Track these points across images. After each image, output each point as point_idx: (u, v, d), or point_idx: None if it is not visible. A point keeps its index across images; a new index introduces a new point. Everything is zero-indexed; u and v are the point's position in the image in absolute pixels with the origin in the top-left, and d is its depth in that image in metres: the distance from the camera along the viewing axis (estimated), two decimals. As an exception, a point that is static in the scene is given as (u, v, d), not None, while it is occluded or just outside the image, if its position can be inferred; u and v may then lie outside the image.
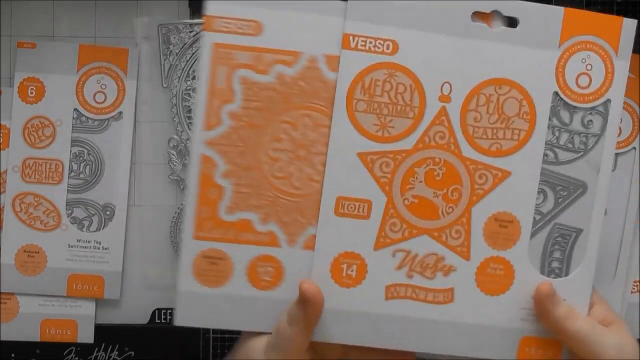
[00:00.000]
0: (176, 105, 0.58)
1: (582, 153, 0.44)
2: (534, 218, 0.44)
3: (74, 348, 0.59)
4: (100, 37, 0.59)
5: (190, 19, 0.58)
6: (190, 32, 0.58)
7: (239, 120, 0.43)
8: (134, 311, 0.59)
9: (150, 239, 0.59)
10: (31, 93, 0.58)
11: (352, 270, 0.43)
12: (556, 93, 0.44)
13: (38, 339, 0.59)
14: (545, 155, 0.44)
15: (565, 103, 0.44)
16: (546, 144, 0.44)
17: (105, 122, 0.59)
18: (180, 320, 0.43)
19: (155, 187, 0.59)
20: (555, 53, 0.43)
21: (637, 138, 0.57)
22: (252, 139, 0.43)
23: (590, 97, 0.44)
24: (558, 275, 0.44)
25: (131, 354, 0.59)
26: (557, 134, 0.44)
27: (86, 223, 0.59)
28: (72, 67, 0.58)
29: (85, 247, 0.59)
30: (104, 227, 0.59)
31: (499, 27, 0.43)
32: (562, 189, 0.44)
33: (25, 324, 0.59)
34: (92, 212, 0.59)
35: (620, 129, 0.57)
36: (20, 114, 0.58)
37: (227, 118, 0.43)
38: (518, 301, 0.44)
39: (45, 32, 0.59)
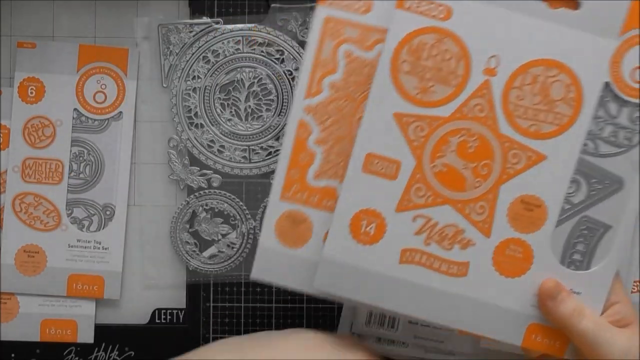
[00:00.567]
0: (176, 105, 0.58)
1: (624, 149, 0.43)
2: (563, 207, 0.43)
3: (74, 348, 0.59)
4: (100, 37, 0.59)
5: (190, 19, 0.58)
6: (190, 32, 0.58)
7: (338, 91, 0.44)
8: (134, 311, 0.59)
9: (150, 239, 0.59)
10: (31, 93, 0.58)
11: (370, 228, 0.43)
12: (607, 84, 0.43)
13: (38, 339, 0.59)
14: (584, 144, 0.43)
15: (616, 95, 0.43)
16: (588, 133, 0.43)
17: (105, 122, 0.59)
18: (256, 273, 0.45)
19: (155, 187, 0.59)
20: (614, 42, 0.42)
21: None
22: (348, 110, 0.44)
23: None
24: (578, 268, 0.44)
25: (131, 354, 0.59)
26: (601, 125, 0.43)
27: (86, 223, 0.59)
28: (72, 67, 0.58)
29: (85, 247, 0.59)
30: (104, 227, 0.59)
31: (559, 8, 0.42)
32: (596, 182, 0.44)
33: (25, 324, 0.59)
34: (92, 212, 0.59)
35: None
36: (20, 114, 0.58)
37: (328, 88, 0.44)
38: (532, 287, 0.43)
39: (45, 32, 0.59)
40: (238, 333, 0.59)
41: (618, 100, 0.43)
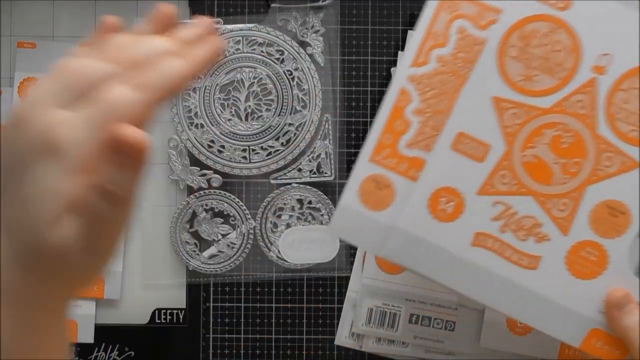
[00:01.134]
0: (176, 105, 0.58)
1: None
2: None
3: (74, 348, 0.59)
4: (100, 37, 0.59)
5: (190, 19, 0.58)
6: (190, 32, 0.58)
7: (444, 65, 0.43)
8: (134, 311, 0.59)
9: (150, 239, 0.59)
10: (31, 93, 0.58)
11: (449, 206, 0.43)
12: None
13: (38, 339, 0.59)
14: None
15: None
16: None
17: (105, 122, 0.59)
18: (332, 230, 0.45)
19: (155, 187, 0.59)
20: None
21: None
22: (451, 86, 0.43)
23: None
24: None
25: (131, 354, 0.59)
26: None
27: (86, 223, 0.59)
28: (72, 67, 0.58)
29: (85, 247, 0.59)
30: (104, 227, 0.59)
31: None
32: None
33: (25, 324, 0.59)
34: (92, 212, 0.59)
35: None
36: (20, 114, 0.58)
37: (435, 60, 0.43)
38: (600, 292, 0.42)
39: (45, 32, 0.59)
40: (238, 333, 0.59)
41: None
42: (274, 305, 0.59)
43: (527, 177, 0.43)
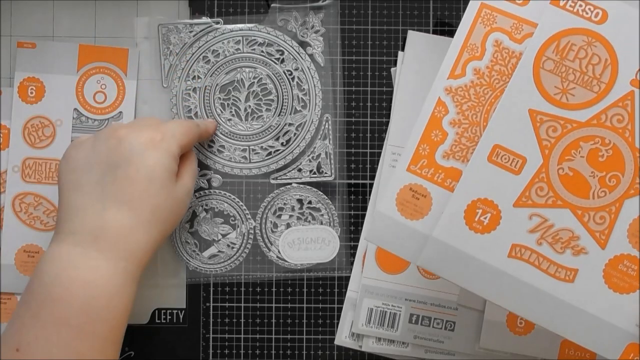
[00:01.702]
0: (176, 105, 0.58)
1: None
2: None
3: (74, 348, 0.59)
4: (100, 37, 0.59)
5: (190, 19, 0.58)
6: (190, 32, 0.58)
7: (480, 78, 0.44)
8: (134, 311, 0.59)
9: (150, 239, 0.59)
10: (31, 93, 0.58)
11: (485, 218, 0.43)
12: None
13: (38, 339, 0.59)
14: None
15: None
16: None
17: (105, 122, 0.59)
18: (368, 236, 0.46)
19: (155, 187, 0.59)
20: None
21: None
22: (486, 98, 0.44)
23: None
24: None
25: (131, 354, 0.59)
26: None
27: (86, 223, 0.59)
28: (72, 67, 0.58)
29: (85, 247, 0.59)
30: (104, 227, 0.59)
31: None
32: None
33: (25, 324, 0.59)
34: (92, 212, 0.59)
35: None
36: (20, 114, 0.58)
37: (471, 72, 0.44)
38: (638, 306, 0.42)
39: (45, 32, 0.59)
40: (238, 333, 0.59)
41: None
42: (274, 305, 0.59)
43: (564, 189, 0.43)
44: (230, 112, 0.58)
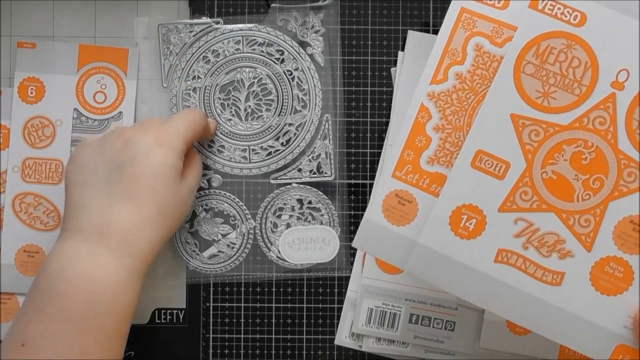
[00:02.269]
0: (176, 105, 0.58)
1: None
2: None
3: (74, 348, 0.59)
4: (100, 37, 0.59)
5: (190, 19, 0.58)
6: (190, 32, 0.58)
7: (462, 82, 0.44)
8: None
9: (150, 239, 0.59)
10: (31, 93, 0.58)
11: (470, 224, 0.43)
12: None
13: (38, 339, 0.59)
14: None
15: None
16: None
17: (105, 122, 0.59)
18: (356, 242, 0.46)
19: (155, 187, 0.59)
20: None
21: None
22: (469, 102, 0.44)
23: None
24: None
25: (131, 354, 0.59)
26: None
27: (86, 223, 0.59)
28: (72, 67, 0.58)
29: (85, 247, 0.59)
30: (104, 227, 0.59)
31: None
32: None
33: (25, 324, 0.59)
34: (92, 212, 0.59)
35: None
36: (20, 114, 0.58)
37: (453, 77, 0.44)
38: (627, 308, 0.42)
39: (45, 32, 0.59)
40: (238, 333, 0.59)
41: None
42: (274, 305, 0.59)
43: (548, 193, 0.43)
44: (230, 112, 0.58)
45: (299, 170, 0.58)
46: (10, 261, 0.58)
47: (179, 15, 0.59)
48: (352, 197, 0.58)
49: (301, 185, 0.58)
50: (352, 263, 0.58)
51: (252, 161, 0.58)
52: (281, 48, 0.58)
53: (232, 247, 0.59)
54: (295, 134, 0.58)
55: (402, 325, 0.56)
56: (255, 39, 0.58)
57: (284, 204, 0.58)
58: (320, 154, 0.58)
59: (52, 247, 0.49)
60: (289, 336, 0.59)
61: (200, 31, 0.58)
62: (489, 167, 0.43)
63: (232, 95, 0.58)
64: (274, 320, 0.59)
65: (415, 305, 0.56)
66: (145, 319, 0.59)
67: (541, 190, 0.43)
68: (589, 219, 0.43)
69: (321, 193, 0.58)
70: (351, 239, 0.58)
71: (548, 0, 0.42)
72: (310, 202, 0.58)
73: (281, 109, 0.58)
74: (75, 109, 0.59)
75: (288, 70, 0.58)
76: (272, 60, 0.58)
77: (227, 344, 0.59)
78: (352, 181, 0.58)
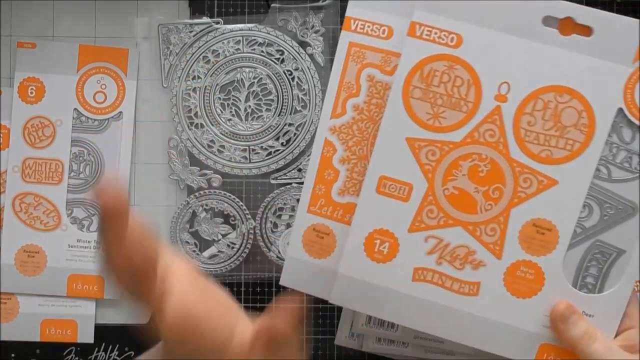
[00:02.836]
0: (176, 105, 0.58)
1: (638, 174, 0.43)
2: (575, 230, 0.44)
3: (74, 348, 0.59)
4: (100, 37, 0.59)
5: (190, 19, 0.58)
6: (190, 32, 0.58)
7: (360, 113, 0.46)
8: (134, 311, 0.59)
9: (150, 239, 0.59)
10: (31, 93, 0.58)
11: (384, 247, 0.45)
12: (621, 110, 0.43)
13: (38, 339, 0.59)
14: (597, 170, 0.43)
15: (629, 121, 0.43)
16: (601, 159, 0.43)
17: (105, 122, 0.59)
18: (283, 281, 0.47)
19: (155, 187, 0.59)
20: (627, 69, 0.42)
21: None
22: (368, 131, 0.46)
23: None
24: (590, 291, 0.44)
25: (131, 354, 0.59)
26: (614, 151, 0.43)
27: (86, 223, 0.59)
28: (72, 67, 0.58)
29: (85, 247, 0.59)
30: (104, 227, 0.59)
31: (571, 35, 0.42)
32: (609, 207, 0.44)
33: (25, 324, 0.59)
34: (92, 212, 0.59)
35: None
36: (20, 114, 0.58)
37: (351, 109, 0.46)
38: (543, 308, 0.44)
39: (45, 32, 0.59)
40: (238, 333, 0.59)
41: (632, 126, 0.43)
42: (273, 305, 0.59)
43: (453, 208, 0.44)
44: (230, 112, 0.58)
45: (299, 170, 0.58)
46: (10, 261, 0.58)
47: (179, 15, 0.59)
48: (352, 197, 0.58)
49: (301, 185, 0.58)
50: (352, 263, 0.58)
51: (252, 161, 0.58)
52: (281, 48, 0.58)
53: (232, 247, 0.59)
54: (295, 134, 0.58)
55: (402, 326, 0.56)
56: (255, 39, 0.58)
57: (284, 204, 0.58)
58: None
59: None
60: (289, 336, 0.59)
61: (200, 31, 0.58)
62: (394, 190, 0.44)
63: (232, 95, 0.58)
64: (274, 320, 0.59)
65: (415, 305, 0.56)
66: (145, 319, 0.59)
67: (445, 206, 0.44)
68: (494, 227, 0.44)
69: (321, 193, 0.58)
70: (351, 239, 0.58)
71: (425, 26, 0.43)
72: (310, 202, 0.58)
73: (281, 109, 0.58)
74: (75, 109, 0.59)
75: (288, 70, 0.58)
76: (272, 60, 0.58)
77: (227, 344, 0.59)
78: (352, 181, 0.58)
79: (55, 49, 0.59)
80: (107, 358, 0.59)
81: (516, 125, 0.43)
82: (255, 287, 0.59)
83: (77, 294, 0.59)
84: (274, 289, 0.59)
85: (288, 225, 0.58)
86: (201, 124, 0.58)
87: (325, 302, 0.58)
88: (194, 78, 0.58)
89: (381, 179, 0.44)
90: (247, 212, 0.59)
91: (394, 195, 0.44)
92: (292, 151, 0.58)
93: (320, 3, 0.58)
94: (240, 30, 0.58)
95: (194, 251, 0.59)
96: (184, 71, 0.58)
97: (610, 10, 0.58)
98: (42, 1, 0.59)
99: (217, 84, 0.58)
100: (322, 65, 0.58)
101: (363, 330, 0.56)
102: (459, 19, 0.43)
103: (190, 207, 0.59)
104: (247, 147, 0.58)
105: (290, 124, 0.58)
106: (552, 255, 0.44)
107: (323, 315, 0.58)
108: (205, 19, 0.58)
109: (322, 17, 0.58)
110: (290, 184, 0.58)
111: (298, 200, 0.58)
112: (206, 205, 0.59)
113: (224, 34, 0.58)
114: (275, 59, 0.58)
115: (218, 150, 0.58)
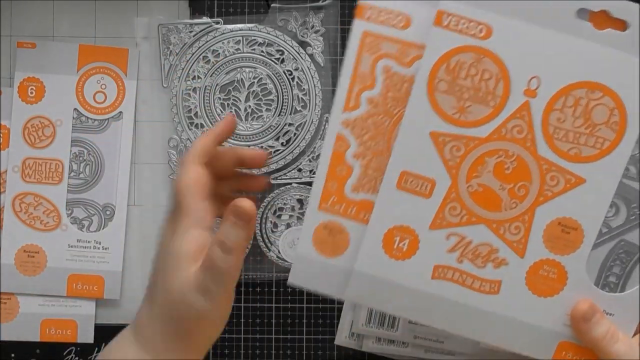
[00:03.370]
0: (176, 105, 0.58)
1: None
2: (601, 230, 0.43)
3: (74, 348, 0.59)
4: (100, 37, 0.59)
5: (190, 19, 0.58)
6: (190, 32, 0.58)
7: (376, 107, 0.44)
8: (134, 311, 0.59)
9: (150, 239, 0.59)
10: (31, 93, 0.58)
11: (403, 244, 0.43)
12: None
13: (38, 339, 0.59)
14: (626, 169, 0.42)
15: None
16: (630, 158, 0.42)
17: (105, 122, 0.59)
18: (292, 279, 0.45)
19: (155, 187, 0.59)
20: None
21: None
22: (385, 126, 0.44)
23: None
24: (612, 290, 0.44)
25: (131, 354, 0.59)
26: None
27: (86, 223, 0.59)
28: (72, 67, 0.58)
29: (85, 247, 0.59)
30: (104, 227, 0.59)
31: (605, 29, 0.41)
32: (636, 207, 0.43)
33: (25, 324, 0.59)
34: (92, 212, 0.59)
35: None
36: (20, 114, 0.58)
37: (366, 102, 0.44)
38: (565, 306, 0.43)
39: (45, 32, 0.59)
40: (238, 333, 0.59)
41: None
42: (274, 305, 0.59)
43: (477, 206, 0.43)
44: (230, 112, 0.58)
45: (299, 170, 0.58)
46: (10, 261, 0.58)
47: (179, 15, 0.59)
48: (352, 197, 0.58)
49: (301, 185, 0.58)
50: (352, 263, 0.58)
51: (252, 161, 0.58)
52: (281, 48, 0.58)
53: (232, 247, 0.59)
54: (295, 134, 0.58)
55: (402, 325, 0.56)
56: (255, 39, 0.58)
57: (284, 204, 0.58)
58: (320, 154, 0.58)
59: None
60: (289, 336, 0.59)
61: (200, 31, 0.58)
62: (415, 187, 0.43)
63: (232, 95, 0.58)
64: (274, 320, 0.59)
65: (415, 305, 0.56)
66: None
67: (469, 203, 0.43)
68: (518, 226, 0.43)
69: (321, 193, 0.58)
70: (351, 239, 0.58)
71: (452, 15, 0.42)
72: (310, 202, 0.58)
73: (281, 109, 0.58)
74: (75, 109, 0.59)
75: (288, 70, 0.58)
76: (272, 60, 0.58)
77: (227, 344, 0.59)
78: (352, 181, 0.58)
79: (55, 49, 0.59)
80: (107, 358, 0.59)
81: (545, 122, 0.42)
82: (255, 287, 0.59)
83: (77, 294, 0.59)
84: (273, 289, 0.59)
85: (288, 225, 0.58)
86: (201, 124, 0.58)
87: (325, 302, 0.58)
88: (194, 78, 0.58)
89: (403, 174, 0.43)
90: (247, 212, 0.59)
91: (415, 191, 0.43)
92: (292, 151, 0.58)
93: (320, 3, 0.58)
94: (240, 30, 0.58)
95: (194, 251, 0.59)
96: (184, 71, 0.58)
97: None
98: (42, 1, 0.59)
99: (217, 84, 0.58)
100: (322, 65, 0.58)
101: (363, 330, 0.56)
102: (489, 9, 0.41)
103: (190, 207, 0.59)
104: (247, 147, 0.58)
105: (290, 124, 0.58)
106: (576, 254, 0.43)
107: (323, 315, 0.58)
108: (205, 19, 0.58)
109: (322, 17, 0.58)
110: (290, 184, 0.58)
111: (298, 200, 0.58)
112: (206, 205, 0.59)
113: (224, 34, 0.58)
114: (275, 59, 0.58)
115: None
